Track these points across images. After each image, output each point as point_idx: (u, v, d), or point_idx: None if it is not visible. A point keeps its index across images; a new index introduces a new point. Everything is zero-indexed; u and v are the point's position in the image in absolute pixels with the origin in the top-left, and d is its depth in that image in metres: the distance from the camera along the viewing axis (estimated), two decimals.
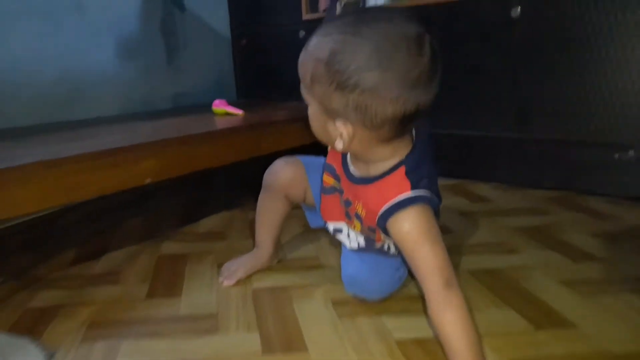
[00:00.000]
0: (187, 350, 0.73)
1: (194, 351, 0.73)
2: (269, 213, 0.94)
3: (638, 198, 1.26)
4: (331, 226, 0.84)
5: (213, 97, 1.64)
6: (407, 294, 0.86)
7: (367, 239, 0.79)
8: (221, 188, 1.68)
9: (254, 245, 1.11)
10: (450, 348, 0.61)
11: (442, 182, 0.92)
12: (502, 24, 1.39)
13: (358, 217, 0.76)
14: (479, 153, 1.53)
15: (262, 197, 0.94)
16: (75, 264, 1.06)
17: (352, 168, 0.76)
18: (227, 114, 1.52)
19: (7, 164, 0.87)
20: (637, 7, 1.18)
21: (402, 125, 0.63)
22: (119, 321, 0.82)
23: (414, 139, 0.70)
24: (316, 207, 0.89)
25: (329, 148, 0.81)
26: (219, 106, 1.55)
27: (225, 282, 0.93)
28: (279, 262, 1.01)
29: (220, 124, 1.35)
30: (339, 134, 0.64)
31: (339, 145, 0.65)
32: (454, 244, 1.06)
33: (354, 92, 0.59)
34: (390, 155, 0.68)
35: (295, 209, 0.98)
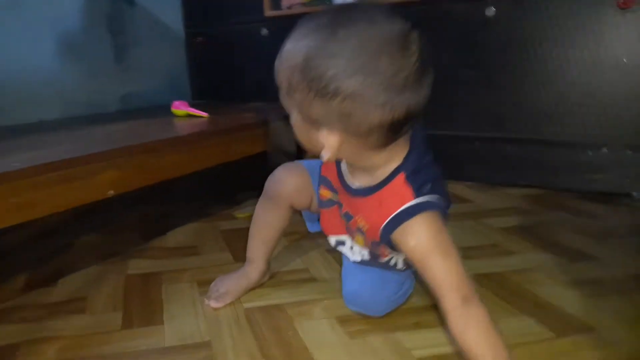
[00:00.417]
0: None
1: None
2: (267, 225, 0.85)
3: (612, 194, 1.29)
4: (333, 239, 0.78)
5: (165, 98, 1.52)
6: (415, 305, 0.81)
7: (371, 253, 0.73)
8: (183, 198, 1.56)
9: (232, 258, 1.03)
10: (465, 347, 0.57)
11: None
12: (477, 24, 1.38)
13: (360, 231, 0.70)
14: (455, 153, 1.51)
15: (263, 206, 0.85)
16: (27, 291, 0.92)
17: (349, 179, 0.70)
18: (190, 115, 1.41)
19: None
20: (599, 7, 1.20)
21: (392, 132, 0.57)
22: (94, 356, 0.71)
23: (410, 140, 0.65)
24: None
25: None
26: (180, 107, 1.43)
27: (213, 303, 0.83)
28: (270, 278, 0.93)
29: (186, 128, 1.24)
30: (324, 144, 0.58)
31: (326, 155, 0.59)
32: None
33: (335, 99, 0.53)
34: (387, 161, 0.63)
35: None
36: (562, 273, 0.90)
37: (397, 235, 0.62)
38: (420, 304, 0.81)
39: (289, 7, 1.64)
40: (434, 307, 0.79)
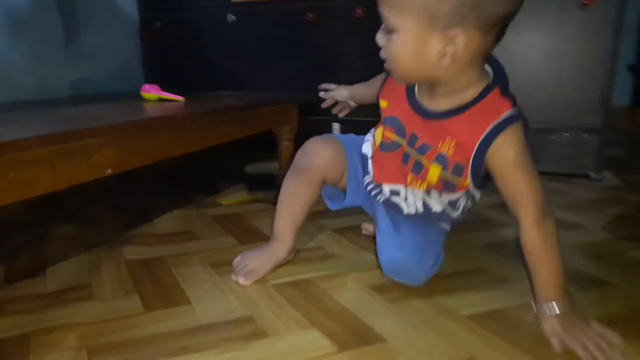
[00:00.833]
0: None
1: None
2: (297, 199, 0.82)
3: (573, 175, 1.41)
4: (387, 188, 0.77)
5: (116, 86, 1.42)
6: (442, 272, 0.82)
7: (425, 205, 0.75)
8: (153, 186, 1.46)
9: (237, 241, 0.99)
10: (540, 273, 0.64)
11: None
12: None
13: (441, 159, 0.68)
14: None
15: (293, 180, 0.82)
16: (9, 283, 0.82)
17: (429, 105, 0.69)
18: (163, 99, 1.33)
19: None
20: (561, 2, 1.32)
21: (502, 32, 0.61)
22: (126, 341, 0.65)
23: (492, 64, 0.67)
24: (349, 187, 0.82)
25: (383, 102, 0.75)
26: (151, 91, 1.35)
27: (242, 280, 0.79)
28: (295, 255, 0.90)
29: (171, 110, 1.17)
30: (444, 51, 0.59)
31: (446, 61, 0.60)
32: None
33: None
34: (476, 81, 0.65)
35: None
36: None
37: (497, 145, 0.63)
38: (447, 272, 0.83)
39: None
40: (460, 273, 0.82)
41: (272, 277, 0.82)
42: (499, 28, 0.60)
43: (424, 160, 0.71)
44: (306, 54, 1.64)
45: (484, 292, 0.77)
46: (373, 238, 0.97)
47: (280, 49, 1.63)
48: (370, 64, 0.82)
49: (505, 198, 0.67)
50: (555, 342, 0.61)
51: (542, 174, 1.39)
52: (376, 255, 0.87)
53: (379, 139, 0.77)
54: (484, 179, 0.71)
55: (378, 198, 0.80)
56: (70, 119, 1.01)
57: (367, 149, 0.82)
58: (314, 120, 1.53)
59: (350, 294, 0.77)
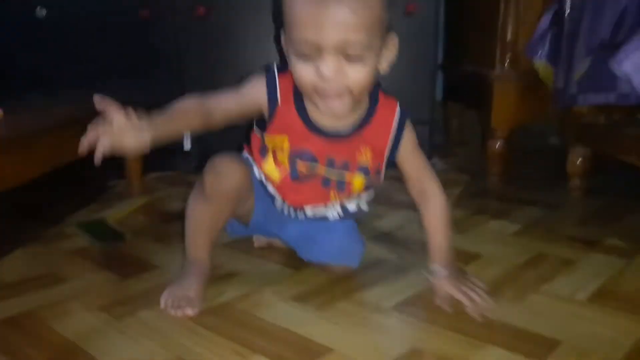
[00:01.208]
0: None
1: None
2: (212, 223, 0.76)
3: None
4: (309, 209, 0.79)
5: None
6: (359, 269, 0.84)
7: (343, 207, 0.80)
8: None
9: (116, 275, 0.86)
10: (437, 240, 0.75)
11: None
12: None
13: (363, 168, 0.74)
14: None
15: (205, 204, 0.73)
16: None
17: (329, 126, 0.72)
18: None
19: None
20: None
21: None
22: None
23: None
24: (254, 216, 0.81)
25: (279, 138, 0.73)
26: None
27: (189, 311, 0.71)
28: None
29: None
30: (390, 59, 0.66)
31: (386, 71, 0.67)
32: None
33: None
34: None
35: None
36: None
37: (405, 138, 0.74)
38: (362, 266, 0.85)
39: None
40: (362, 267, 0.85)
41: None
42: None
43: (347, 175, 0.75)
44: (139, 53, 1.49)
45: (394, 281, 0.82)
46: (270, 247, 0.95)
47: (109, 46, 1.45)
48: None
49: (409, 179, 0.77)
50: (445, 305, 0.71)
51: None
52: (283, 263, 0.89)
53: (274, 173, 0.75)
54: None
55: (299, 217, 0.81)
56: None
57: (259, 175, 0.79)
58: None
59: (274, 309, 0.74)
